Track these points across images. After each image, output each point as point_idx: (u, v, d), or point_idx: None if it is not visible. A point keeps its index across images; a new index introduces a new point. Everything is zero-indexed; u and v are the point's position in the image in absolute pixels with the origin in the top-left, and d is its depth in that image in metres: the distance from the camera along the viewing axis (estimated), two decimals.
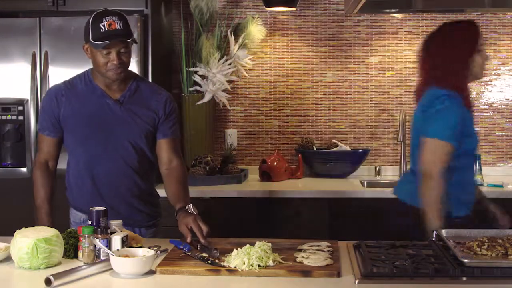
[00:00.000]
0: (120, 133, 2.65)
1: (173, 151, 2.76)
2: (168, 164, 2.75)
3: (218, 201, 3.73)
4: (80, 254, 2.29)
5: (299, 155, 4.18)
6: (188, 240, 2.43)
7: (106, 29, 2.53)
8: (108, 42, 2.52)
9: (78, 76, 2.76)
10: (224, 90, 4.20)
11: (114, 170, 2.67)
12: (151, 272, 2.14)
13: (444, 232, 2.41)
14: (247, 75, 4.30)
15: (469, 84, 2.78)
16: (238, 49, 4.17)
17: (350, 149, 4.18)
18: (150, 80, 3.75)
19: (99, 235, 2.25)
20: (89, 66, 3.66)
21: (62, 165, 2.86)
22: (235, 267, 2.14)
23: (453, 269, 2.07)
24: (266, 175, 4.05)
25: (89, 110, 2.65)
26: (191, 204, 2.62)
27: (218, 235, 2.74)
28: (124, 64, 2.60)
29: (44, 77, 3.70)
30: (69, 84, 2.73)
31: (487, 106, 4.30)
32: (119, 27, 2.55)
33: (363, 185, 4.02)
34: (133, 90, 2.69)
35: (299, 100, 4.37)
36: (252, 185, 3.97)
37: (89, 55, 2.62)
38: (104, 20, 2.55)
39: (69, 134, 2.69)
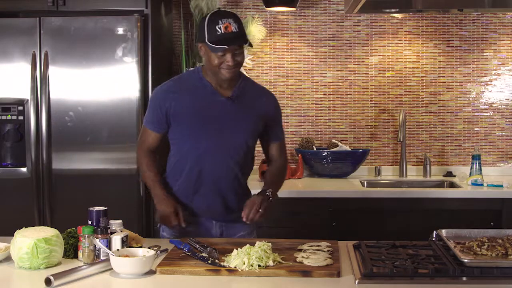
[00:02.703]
0: (230, 130, 2.69)
1: (282, 153, 2.87)
2: (275, 162, 2.86)
3: None
4: (80, 254, 2.29)
5: (299, 155, 4.19)
6: (244, 219, 2.53)
7: (223, 32, 2.55)
8: (226, 47, 2.54)
9: (188, 72, 2.85)
10: None
11: (219, 166, 2.70)
12: (151, 272, 2.14)
13: (444, 232, 2.41)
14: (247, 75, 4.30)
15: None
16: None
17: (350, 149, 4.18)
18: (150, 80, 3.75)
19: (99, 235, 2.25)
20: (90, 65, 3.69)
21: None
22: (235, 267, 2.14)
23: (453, 269, 2.07)
24: None
25: (200, 105, 2.68)
26: (271, 190, 2.66)
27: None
28: (238, 64, 2.63)
29: (44, 77, 3.70)
30: (178, 81, 2.78)
31: (487, 106, 4.30)
32: (235, 30, 2.57)
33: (363, 185, 4.02)
34: (242, 88, 2.72)
35: (299, 100, 4.37)
36: (252, 185, 3.95)
37: (203, 53, 2.64)
38: (220, 22, 2.55)
39: (179, 129, 2.71)
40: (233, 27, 2.56)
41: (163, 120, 2.71)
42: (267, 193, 2.64)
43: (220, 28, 2.55)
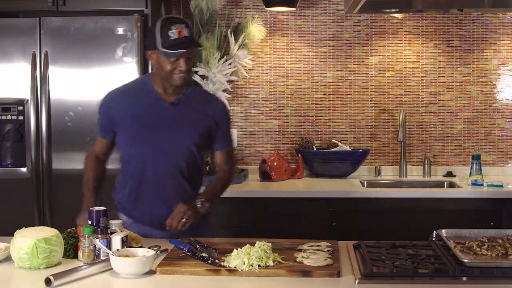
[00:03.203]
0: (172, 136, 2.68)
1: (228, 161, 2.86)
2: (219, 171, 2.88)
3: (218, 201, 3.72)
4: (80, 254, 2.29)
5: (299, 155, 4.19)
6: (166, 226, 2.55)
7: (177, 37, 2.56)
8: (183, 51, 2.57)
9: (136, 79, 2.88)
10: (224, 90, 4.20)
11: (162, 172, 2.69)
12: (151, 272, 2.14)
13: (444, 232, 2.41)
14: (247, 75, 4.30)
15: None
16: (238, 49, 4.17)
17: (350, 149, 4.18)
18: None
19: (99, 235, 2.25)
20: (90, 65, 3.69)
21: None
22: (235, 267, 2.14)
23: (453, 269, 2.07)
24: (266, 175, 4.05)
25: (143, 112, 2.69)
26: (202, 200, 2.66)
27: (218, 235, 2.75)
28: (189, 69, 2.65)
29: (44, 77, 3.71)
30: (124, 87, 2.79)
31: (487, 106, 4.30)
32: (187, 34, 2.59)
33: (363, 185, 4.02)
34: (188, 95, 2.72)
35: (299, 100, 4.37)
36: (252, 185, 3.97)
37: (154, 60, 2.64)
38: (173, 27, 2.57)
39: (121, 136, 2.73)
40: (185, 32, 2.59)
41: (109, 127, 2.73)
42: (196, 203, 2.63)
43: (173, 34, 2.56)
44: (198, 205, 2.63)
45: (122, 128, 2.71)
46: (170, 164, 2.69)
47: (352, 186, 3.92)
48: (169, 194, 2.69)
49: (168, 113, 2.69)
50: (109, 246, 2.26)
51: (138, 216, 2.71)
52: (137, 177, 2.70)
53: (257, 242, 2.24)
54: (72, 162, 3.71)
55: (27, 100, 3.72)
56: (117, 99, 2.74)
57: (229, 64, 4.14)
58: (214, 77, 4.09)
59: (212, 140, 2.78)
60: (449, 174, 4.21)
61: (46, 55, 3.71)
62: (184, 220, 2.55)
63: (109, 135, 2.75)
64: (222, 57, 4.13)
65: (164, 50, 2.56)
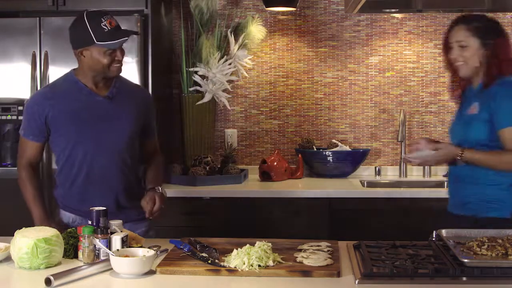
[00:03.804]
0: (111, 128, 2.67)
1: (155, 150, 2.89)
2: (152, 159, 2.87)
3: (218, 201, 3.73)
4: (80, 254, 2.29)
5: (299, 155, 4.18)
6: (147, 215, 2.61)
7: (109, 28, 2.55)
8: (126, 38, 2.56)
9: (61, 78, 2.76)
10: (224, 90, 4.20)
11: (108, 165, 2.68)
12: (151, 272, 2.14)
13: (444, 232, 2.41)
14: (247, 75, 4.30)
15: None
16: (238, 49, 4.17)
17: (350, 149, 4.18)
18: (150, 80, 3.75)
19: (99, 235, 2.25)
20: None
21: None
22: (235, 267, 2.14)
23: (453, 269, 2.07)
24: (266, 175, 4.05)
25: (78, 108, 2.65)
26: (159, 187, 2.70)
27: (218, 235, 2.75)
28: (123, 58, 2.65)
29: (44, 77, 3.70)
30: (53, 87, 2.74)
31: None
32: (117, 23, 2.60)
33: (363, 185, 4.02)
34: (118, 87, 2.72)
35: (299, 100, 4.37)
36: (252, 185, 3.97)
37: (87, 58, 2.59)
38: (103, 20, 2.55)
39: (58, 134, 2.68)
40: (115, 22, 2.59)
41: (42, 128, 2.67)
42: (159, 190, 2.67)
43: (105, 26, 2.54)
44: (162, 191, 2.69)
45: (59, 127, 2.66)
46: (114, 158, 2.69)
47: (352, 186, 3.92)
48: (115, 186, 2.70)
49: (104, 107, 2.67)
50: (109, 246, 2.26)
51: (87, 212, 2.58)
52: (83, 175, 2.68)
53: (257, 242, 2.24)
54: None
55: (27, 100, 3.71)
56: (47, 100, 2.66)
57: (229, 64, 4.14)
58: (214, 77, 4.09)
59: (143, 131, 2.79)
60: None
61: (46, 55, 3.71)
62: (158, 204, 2.60)
63: (43, 137, 2.69)
64: (222, 57, 4.13)
65: (102, 43, 2.53)
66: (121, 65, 2.64)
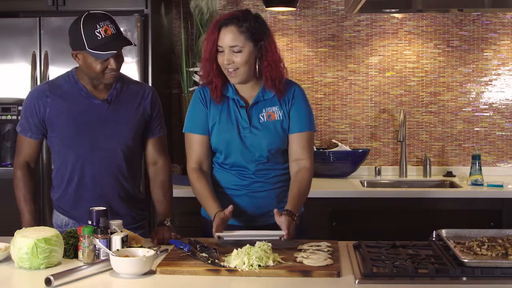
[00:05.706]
0: (108, 133, 2.59)
1: (159, 151, 2.74)
2: (154, 165, 2.75)
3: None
4: (80, 254, 2.29)
5: None
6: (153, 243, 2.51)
7: (104, 36, 2.44)
8: (114, 52, 2.44)
9: (62, 76, 2.67)
10: None
11: (101, 171, 2.61)
12: (151, 272, 2.14)
13: (444, 232, 2.41)
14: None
15: None
16: None
17: (350, 149, 4.18)
18: (150, 80, 3.75)
19: (99, 235, 2.25)
20: None
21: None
22: (235, 267, 2.14)
23: (453, 269, 2.07)
24: None
25: (76, 110, 2.58)
26: (169, 218, 2.66)
27: None
28: (119, 67, 2.54)
29: (44, 77, 3.70)
30: (53, 85, 2.64)
31: (487, 106, 4.30)
32: (114, 31, 2.47)
33: (363, 185, 4.02)
34: (119, 89, 2.62)
35: None
36: None
37: (81, 61, 2.51)
38: (98, 26, 2.44)
39: (55, 135, 2.61)
40: (112, 29, 2.45)
41: (39, 125, 2.60)
42: (167, 223, 2.63)
43: (99, 33, 2.42)
44: (172, 223, 2.65)
45: (55, 127, 2.59)
46: (108, 163, 2.61)
47: (352, 186, 3.92)
48: (109, 192, 2.63)
49: (102, 111, 2.58)
50: (109, 246, 2.25)
51: (80, 217, 2.61)
52: (76, 178, 2.62)
53: (257, 242, 2.24)
54: None
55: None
56: (45, 97, 2.58)
57: None
58: None
59: (146, 130, 2.70)
60: (449, 174, 4.21)
61: (46, 55, 3.71)
62: (164, 238, 2.52)
63: (40, 134, 2.63)
64: None
65: (92, 51, 2.43)
66: (117, 73, 2.53)
